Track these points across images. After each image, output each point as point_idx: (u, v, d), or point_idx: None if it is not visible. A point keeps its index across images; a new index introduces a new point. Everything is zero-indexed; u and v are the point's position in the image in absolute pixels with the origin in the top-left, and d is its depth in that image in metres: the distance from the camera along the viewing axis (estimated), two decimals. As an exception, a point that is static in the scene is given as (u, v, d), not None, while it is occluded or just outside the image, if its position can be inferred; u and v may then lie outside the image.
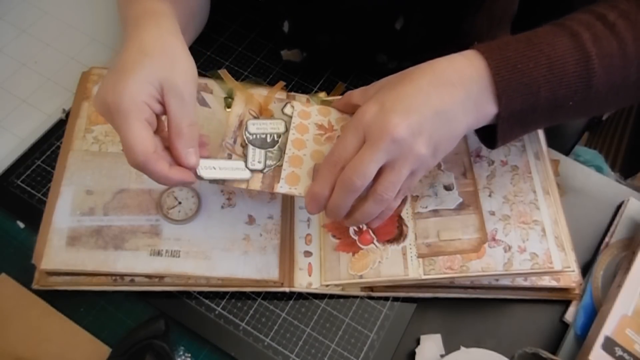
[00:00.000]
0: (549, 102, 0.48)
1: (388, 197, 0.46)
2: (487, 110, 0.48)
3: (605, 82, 0.48)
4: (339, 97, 0.66)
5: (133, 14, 0.50)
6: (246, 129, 0.53)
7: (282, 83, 0.57)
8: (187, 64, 0.48)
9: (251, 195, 0.59)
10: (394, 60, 0.69)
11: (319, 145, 0.53)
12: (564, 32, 0.48)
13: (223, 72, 0.63)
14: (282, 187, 0.51)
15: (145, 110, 0.45)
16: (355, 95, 0.54)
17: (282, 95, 0.65)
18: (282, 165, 0.51)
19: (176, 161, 0.47)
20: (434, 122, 0.46)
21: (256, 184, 0.51)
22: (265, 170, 0.52)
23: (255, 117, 0.55)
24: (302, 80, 0.69)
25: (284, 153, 0.52)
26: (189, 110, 0.47)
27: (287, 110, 0.55)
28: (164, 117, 0.48)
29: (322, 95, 0.66)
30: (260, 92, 0.62)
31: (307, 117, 0.55)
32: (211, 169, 0.49)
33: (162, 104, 0.46)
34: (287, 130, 0.53)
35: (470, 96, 0.47)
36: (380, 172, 0.46)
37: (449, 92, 0.47)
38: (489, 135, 0.52)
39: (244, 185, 0.51)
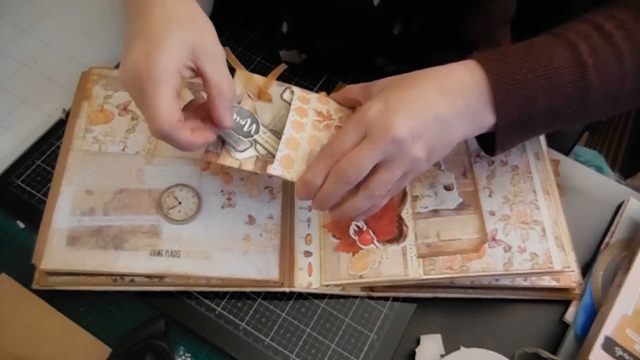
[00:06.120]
0: (546, 112, 0.48)
1: (378, 195, 0.47)
2: (485, 120, 0.48)
3: (601, 91, 0.48)
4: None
5: None
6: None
7: (283, 66, 0.56)
8: (210, 27, 0.48)
9: (251, 194, 0.59)
10: (393, 64, 0.70)
11: (317, 131, 0.53)
12: (562, 43, 0.49)
13: (226, 50, 0.63)
14: (275, 169, 0.50)
15: (176, 78, 0.45)
16: (355, 90, 0.54)
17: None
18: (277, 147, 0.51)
19: (216, 121, 0.48)
20: (434, 128, 0.46)
21: (249, 165, 0.51)
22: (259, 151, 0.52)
23: (251, 100, 0.54)
24: (302, 81, 0.69)
25: (282, 134, 0.51)
26: (225, 70, 0.47)
27: (286, 96, 0.55)
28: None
29: (322, 95, 0.66)
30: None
31: (307, 102, 0.54)
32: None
33: (194, 69, 0.46)
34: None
35: (469, 107, 0.48)
36: (374, 170, 0.46)
37: (449, 100, 0.47)
38: (488, 142, 0.52)
39: (236, 165, 0.50)
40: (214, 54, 0.47)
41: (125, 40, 0.47)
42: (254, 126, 0.52)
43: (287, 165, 0.50)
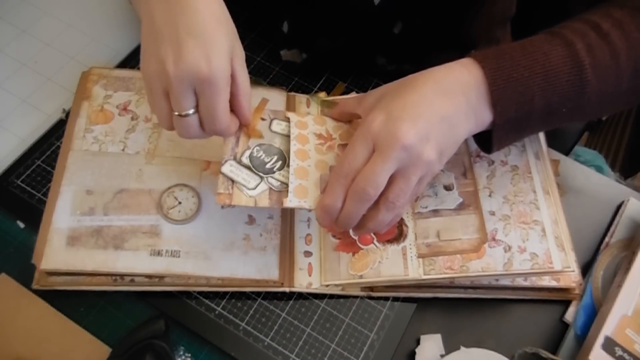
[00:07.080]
0: (543, 110, 0.49)
1: (399, 205, 0.47)
2: (484, 117, 0.49)
3: (597, 90, 0.49)
4: (339, 97, 0.67)
5: None
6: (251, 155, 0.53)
7: (266, 100, 0.57)
8: (234, 27, 0.50)
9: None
10: (393, 63, 0.70)
11: (321, 155, 0.53)
12: (559, 41, 0.49)
13: None
14: (291, 201, 0.50)
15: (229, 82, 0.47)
16: (351, 103, 0.54)
17: (281, 94, 0.65)
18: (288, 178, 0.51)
19: (241, 118, 0.51)
20: (440, 128, 0.47)
21: (264, 200, 0.51)
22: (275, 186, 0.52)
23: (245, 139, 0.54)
24: (302, 80, 0.69)
25: (288, 165, 0.52)
26: (246, 70, 0.50)
27: (274, 127, 0.55)
28: None
29: (322, 95, 0.66)
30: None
31: (305, 127, 0.55)
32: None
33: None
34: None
35: (470, 103, 0.48)
36: (390, 180, 0.46)
37: (450, 99, 0.47)
38: (485, 139, 0.52)
39: (252, 203, 0.50)
40: (242, 55, 0.49)
41: (164, 33, 0.46)
42: (279, 163, 0.53)
43: (302, 195, 0.50)
